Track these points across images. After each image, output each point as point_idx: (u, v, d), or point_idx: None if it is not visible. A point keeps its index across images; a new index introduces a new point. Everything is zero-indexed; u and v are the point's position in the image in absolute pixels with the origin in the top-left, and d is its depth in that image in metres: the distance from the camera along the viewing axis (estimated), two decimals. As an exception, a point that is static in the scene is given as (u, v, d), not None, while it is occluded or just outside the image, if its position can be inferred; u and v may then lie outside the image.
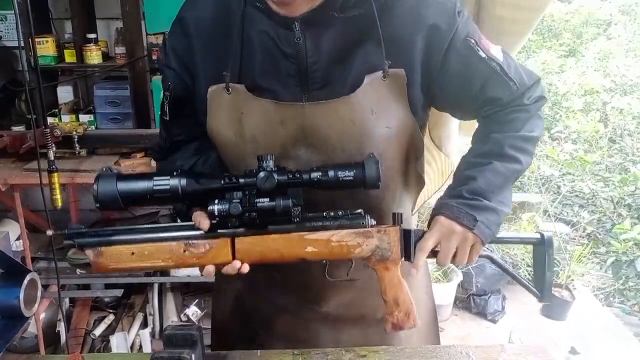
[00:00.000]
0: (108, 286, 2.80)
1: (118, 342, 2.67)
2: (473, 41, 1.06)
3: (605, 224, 3.91)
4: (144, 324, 2.81)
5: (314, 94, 1.05)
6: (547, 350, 1.25)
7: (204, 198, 0.97)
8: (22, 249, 2.63)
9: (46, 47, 2.65)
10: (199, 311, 2.81)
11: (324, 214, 1.01)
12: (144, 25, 2.54)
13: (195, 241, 0.99)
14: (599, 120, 4.60)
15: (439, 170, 2.48)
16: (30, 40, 2.37)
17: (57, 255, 2.69)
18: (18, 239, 2.72)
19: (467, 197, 1.06)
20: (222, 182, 0.96)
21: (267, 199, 0.95)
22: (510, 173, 1.09)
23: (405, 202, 1.23)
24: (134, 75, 2.67)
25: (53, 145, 2.21)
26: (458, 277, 3.08)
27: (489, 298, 3.15)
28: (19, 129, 2.68)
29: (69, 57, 2.70)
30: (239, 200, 0.94)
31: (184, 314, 2.80)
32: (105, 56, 2.82)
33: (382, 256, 1.02)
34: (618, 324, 3.01)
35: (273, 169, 0.96)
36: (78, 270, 2.75)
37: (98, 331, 2.77)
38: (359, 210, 1.02)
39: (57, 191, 2.11)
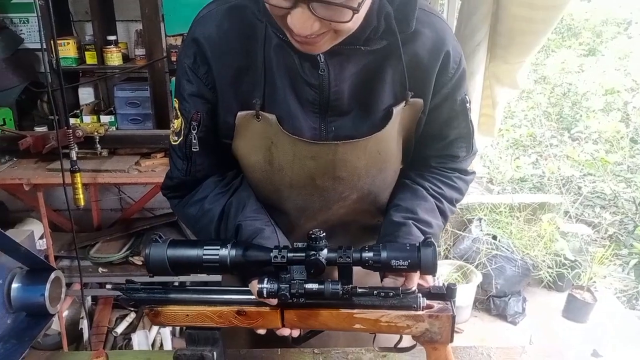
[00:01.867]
0: (128, 285, 2.82)
1: (139, 340, 2.70)
2: (469, 104, 1.14)
3: (627, 226, 3.84)
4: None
5: (330, 120, 1.06)
6: (565, 354, 1.23)
7: (252, 269, 0.98)
8: (46, 247, 2.67)
9: (67, 49, 2.69)
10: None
11: (375, 292, 0.97)
12: (163, 27, 2.57)
13: (246, 308, 1.00)
14: (620, 120, 4.53)
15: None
16: (52, 42, 2.41)
17: (79, 254, 2.73)
18: (41, 237, 2.76)
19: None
20: (271, 255, 0.95)
21: (315, 284, 0.93)
22: (438, 230, 1.18)
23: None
24: (154, 77, 2.69)
25: (75, 145, 2.24)
26: (477, 278, 3.05)
27: (509, 300, 3.12)
28: (41, 129, 2.72)
29: (90, 58, 2.74)
30: (287, 285, 0.94)
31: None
32: (125, 58, 2.85)
33: (432, 339, 0.99)
34: (641, 326, 2.96)
35: (322, 249, 0.94)
36: (100, 269, 2.78)
37: (120, 329, 2.80)
38: (413, 289, 0.99)
39: (80, 190, 2.15)
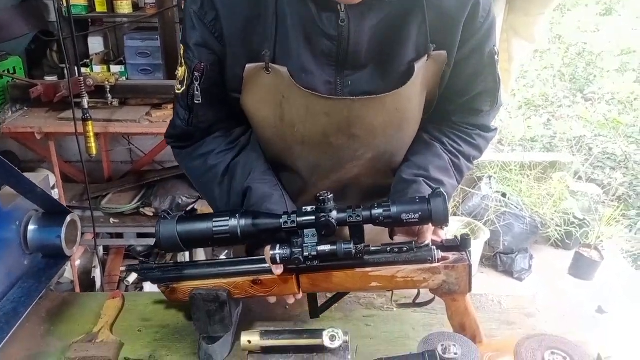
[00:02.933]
0: (140, 235, 2.86)
1: (151, 289, 2.75)
2: (497, 56, 1.09)
3: (636, 187, 3.84)
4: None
5: (347, 74, 1.02)
6: (573, 307, 1.25)
7: (263, 237, 0.98)
8: (59, 197, 2.70)
9: (77, -4, 2.64)
10: (228, 261, 2.86)
11: (388, 248, 0.97)
12: (174, -26, 2.51)
13: (262, 277, 1.01)
14: (635, 81, 4.46)
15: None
16: (61, -12, 2.37)
17: (92, 205, 2.75)
18: (53, 188, 2.79)
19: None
20: (281, 221, 0.94)
21: (328, 246, 0.93)
22: (452, 190, 1.16)
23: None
24: (164, 26, 2.65)
25: (86, 94, 2.23)
26: (485, 235, 3.07)
27: (515, 257, 3.15)
28: (51, 79, 2.70)
29: (100, 6, 2.70)
30: (300, 249, 0.93)
31: (214, 263, 2.85)
32: (135, 6, 2.80)
33: (450, 290, 0.98)
34: (646, 285, 2.99)
35: (331, 210, 0.93)
36: (112, 220, 2.81)
37: (132, 278, 2.85)
38: (427, 242, 0.98)
39: (92, 139, 2.15)
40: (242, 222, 0.96)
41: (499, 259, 3.19)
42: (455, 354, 0.91)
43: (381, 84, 1.03)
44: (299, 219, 0.94)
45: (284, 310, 1.22)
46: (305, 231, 0.95)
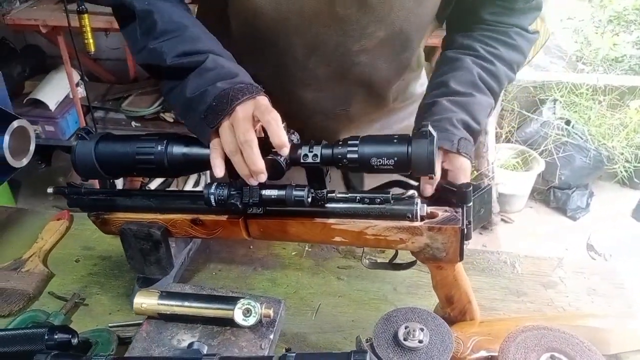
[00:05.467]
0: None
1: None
2: None
3: None
4: (197, 183, 2.77)
5: None
6: (616, 271, 0.98)
7: (195, 170, 0.81)
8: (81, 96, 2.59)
9: None
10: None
11: (359, 197, 0.76)
12: None
13: (203, 217, 0.83)
14: None
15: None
16: None
17: (112, 106, 2.63)
18: (78, 85, 2.67)
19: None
20: None
21: (274, 191, 0.74)
22: (488, 108, 0.90)
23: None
24: None
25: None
26: (540, 166, 2.72)
27: (572, 193, 2.79)
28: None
29: None
30: (238, 192, 0.75)
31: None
32: None
33: (434, 256, 0.77)
34: None
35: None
36: (133, 123, 2.69)
37: (153, 185, 2.77)
38: (410, 193, 0.76)
39: (89, 34, 1.95)
40: (171, 149, 0.77)
41: (552, 194, 2.85)
42: (420, 341, 0.69)
43: None
44: None
45: (246, 251, 1.03)
46: None
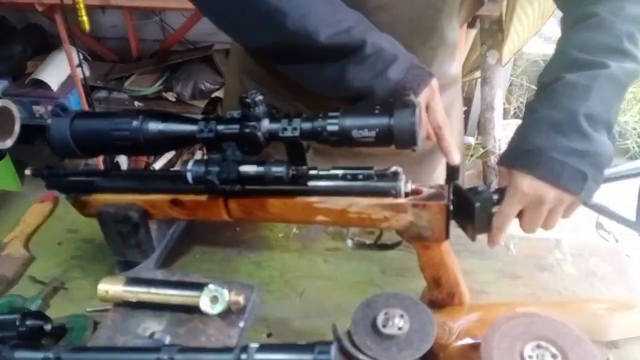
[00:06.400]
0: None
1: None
2: None
3: None
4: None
5: None
6: (619, 253, 0.93)
7: (172, 147, 0.78)
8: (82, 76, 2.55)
9: None
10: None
11: (341, 173, 0.73)
12: None
13: (182, 197, 0.81)
14: None
15: (540, 10, 1.98)
16: None
17: (115, 86, 2.60)
18: (79, 65, 2.64)
19: (574, 135, 0.67)
20: (197, 129, 0.72)
21: (253, 167, 0.72)
22: (628, 79, 0.70)
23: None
24: None
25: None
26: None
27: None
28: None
29: None
30: (217, 169, 0.73)
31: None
32: None
33: (420, 235, 0.74)
34: None
35: (260, 118, 0.69)
36: (136, 103, 2.66)
37: (158, 165, 2.75)
38: (394, 169, 0.73)
39: (83, 12, 1.91)
40: (147, 125, 0.74)
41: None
42: (400, 328, 0.66)
43: None
44: (218, 128, 0.71)
45: (232, 233, 1.00)
46: (224, 145, 0.73)
